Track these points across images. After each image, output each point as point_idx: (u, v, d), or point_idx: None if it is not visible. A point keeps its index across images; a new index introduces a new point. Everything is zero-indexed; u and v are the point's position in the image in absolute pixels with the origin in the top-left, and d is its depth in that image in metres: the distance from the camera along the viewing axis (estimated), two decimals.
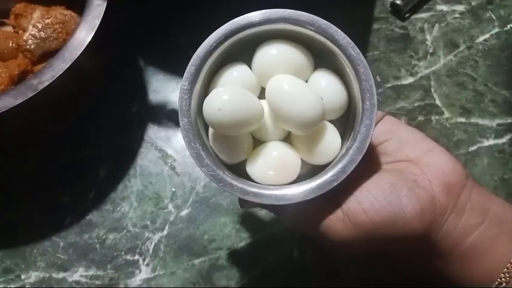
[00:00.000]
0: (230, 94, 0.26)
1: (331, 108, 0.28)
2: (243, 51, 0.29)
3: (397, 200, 0.27)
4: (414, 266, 0.35)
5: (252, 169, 0.28)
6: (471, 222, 0.27)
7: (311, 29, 0.28)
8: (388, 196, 0.27)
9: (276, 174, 0.27)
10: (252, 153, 0.28)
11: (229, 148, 0.28)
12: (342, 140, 0.29)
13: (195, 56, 0.27)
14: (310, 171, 0.29)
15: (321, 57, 0.30)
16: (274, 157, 0.27)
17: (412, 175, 0.28)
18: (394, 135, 0.30)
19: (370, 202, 0.27)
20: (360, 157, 0.26)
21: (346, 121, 0.30)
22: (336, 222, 0.27)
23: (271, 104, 0.27)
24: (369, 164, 0.29)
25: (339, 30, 0.28)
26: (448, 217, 0.27)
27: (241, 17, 0.28)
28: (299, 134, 0.28)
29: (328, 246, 0.29)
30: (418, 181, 0.28)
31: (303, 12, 0.28)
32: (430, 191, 0.27)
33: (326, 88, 0.28)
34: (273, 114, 0.28)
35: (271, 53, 0.28)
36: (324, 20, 0.28)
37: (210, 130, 0.28)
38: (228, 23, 0.28)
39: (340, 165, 0.26)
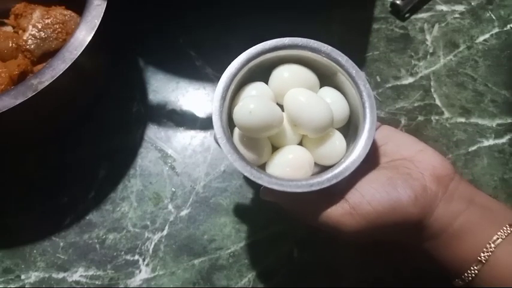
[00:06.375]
0: (258, 101, 0.31)
1: (337, 119, 0.33)
2: (257, 75, 0.34)
3: (394, 190, 0.31)
4: (414, 266, 0.36)
5: (272, 168, 0.32)
6: (458, 208, 0.31)
7: (321, 54, 0.33)
8: (386, 188, 0.31)
9: (293, 171, 0.32)
10: (272, 156, 0.33)
11: (254, 152, 0.32)
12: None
13: (221, 81, 0.32)
14: (319, 172, 0.33)
15: (322, 78, 0.34)
16: (292, 157, 0.32)
17: (406, 169, 0.32)
18: (391, 140, 0.35)
19: (372, 194, 0.31)
20: (366, 151, 0.31)
21: (348, 128, 0.35)
22: (344, 215, 0.31)
23: (289, 112, 0.32)
24: (369, 164, 0.34)
25: (342, 54, 0.33)
26: (438, 203, 0.31)
27: (265, 42, 0.33)
28: (313, 136, 0.33)
29: (338, 236, 0.32)
30: (411, 174, 0.32)
31: (313, 40, 0.33)
32: (422, 181, 0.32)
33: (331, 102, 0.33)
34: (291, 121, 0.33)
35: (284, 75, 0.34)
36: (330, 46, 0.33)
37: (236, 139, 0.33)
38: (250, 48, 0.33)
39: (350, 157, 0.31)
